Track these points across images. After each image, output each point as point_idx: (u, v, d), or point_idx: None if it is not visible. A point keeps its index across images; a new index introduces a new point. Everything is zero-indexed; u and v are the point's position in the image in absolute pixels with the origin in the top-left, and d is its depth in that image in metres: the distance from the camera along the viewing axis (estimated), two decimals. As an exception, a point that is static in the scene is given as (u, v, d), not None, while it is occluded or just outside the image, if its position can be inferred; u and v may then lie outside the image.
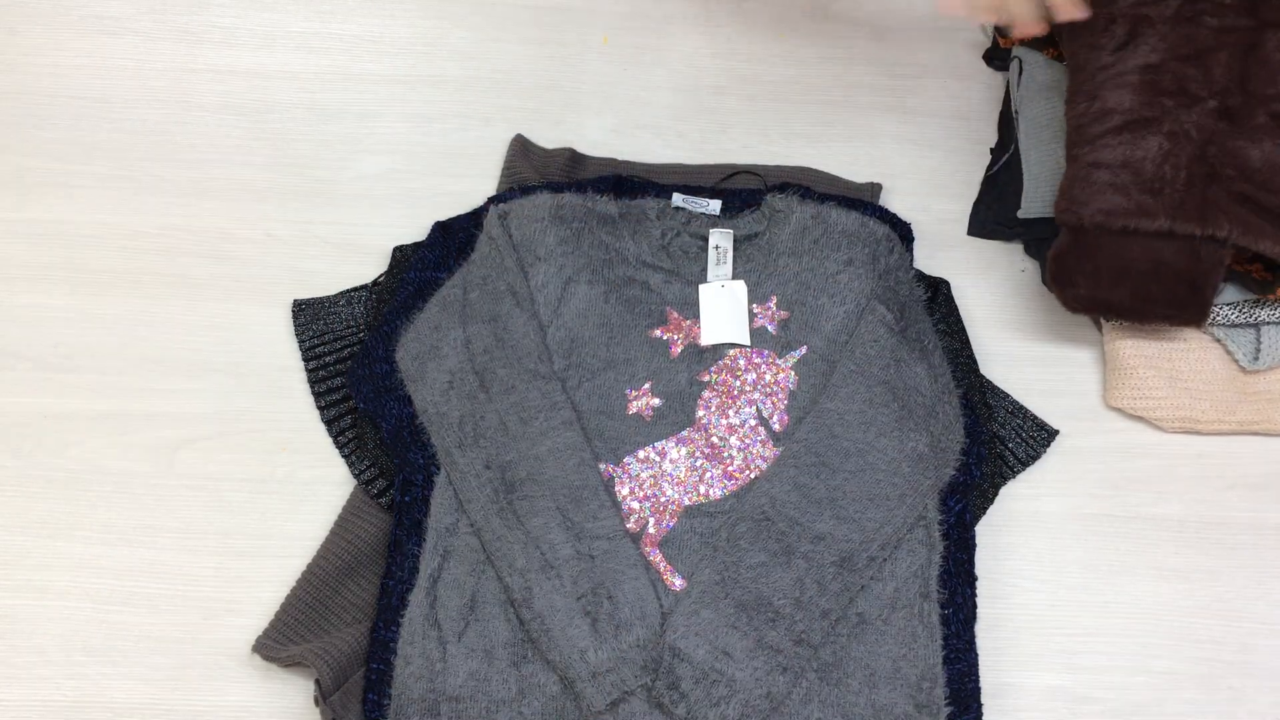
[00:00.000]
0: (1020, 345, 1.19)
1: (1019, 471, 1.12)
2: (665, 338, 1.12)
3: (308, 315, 1.17)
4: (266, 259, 1.21)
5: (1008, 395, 1.15)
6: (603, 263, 1.13)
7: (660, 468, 1.06)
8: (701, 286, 1.13)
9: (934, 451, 1.06)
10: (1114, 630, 1.07)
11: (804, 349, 1.11)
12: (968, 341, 1.15)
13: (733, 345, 1.11)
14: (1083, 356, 1.19)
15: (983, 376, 1.14)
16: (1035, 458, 1.13)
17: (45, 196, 1.23)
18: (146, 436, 1.12)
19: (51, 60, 1.32)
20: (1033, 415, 1.14)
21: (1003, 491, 1.11)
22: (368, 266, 1.20)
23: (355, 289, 1.18)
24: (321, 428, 1.12)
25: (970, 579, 1.04)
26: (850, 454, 1.04)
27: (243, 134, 1.28)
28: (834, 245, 1.13)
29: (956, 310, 1.16)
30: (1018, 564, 1.09)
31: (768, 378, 1.10)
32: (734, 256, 1.15)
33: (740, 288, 1.13)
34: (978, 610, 1.03)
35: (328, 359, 1.14)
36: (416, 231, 1.20)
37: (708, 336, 1.12)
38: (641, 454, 1.07)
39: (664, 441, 1.08)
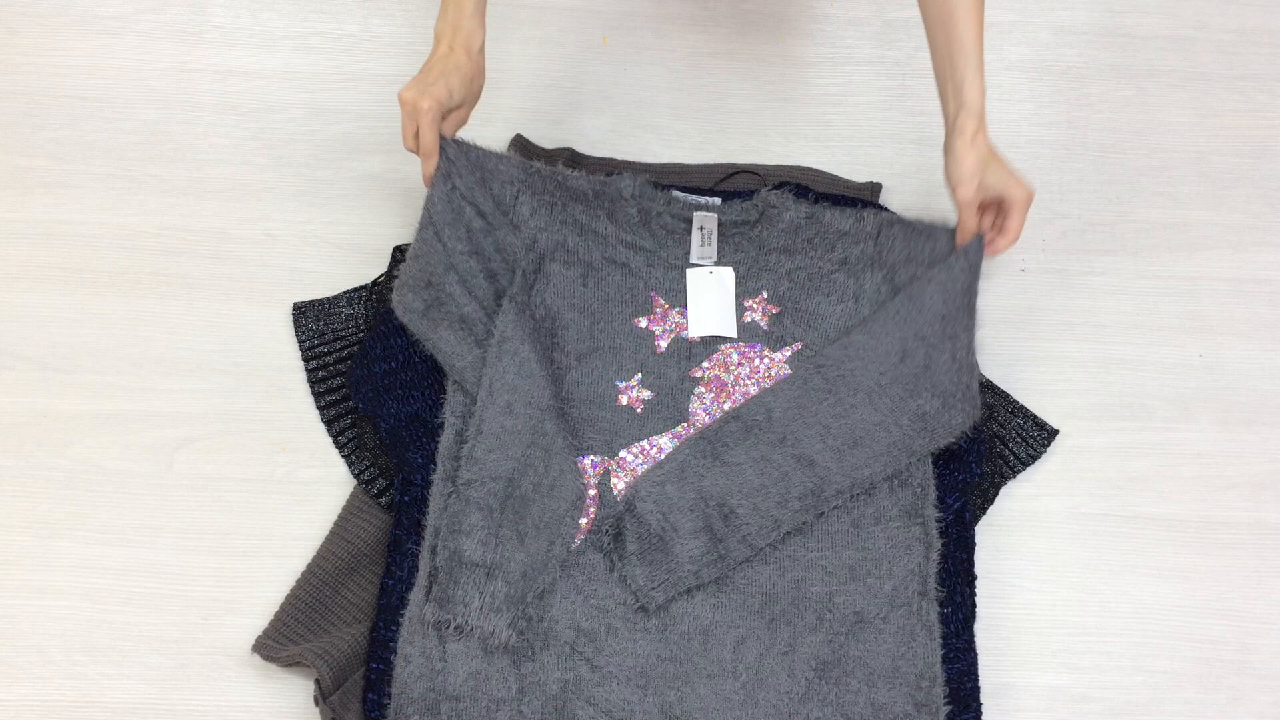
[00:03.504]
0: (1020, 345, 1.19)
1: (1019, 471, 1.12)
2: (650, 328, 1.11)
3: (308, 316, 1.17)
4: (265, 259, 1.21)
5: (1008, 395, 1.15)
6: (578, 242, 1.11)
7: (654, 462, 1.06)
8: (689, 272, 1.12)
9: (939, 416, 1.05)
10: (1113, 630, 1.07)
11: (798, 344, 1.11)
12: (967, 341, 1.15)
13: (722, 339, 1.11)
14: (1083, 356, 1.19)
15: (983, 376, 1.14)
16: (1035, 457, 1.12)
17: (44, 196, 1.23)
18: (146, 436, 1.12)
19: (51, 60, 1.32)
20: (1033, 415, 1.14)
21: (1003, 491, 1.11)
22: (368, 266, 1.20)
23: (355, 289, 1.18)
24: (321, 428, 1.12)
25: (970, 578, 1.04)
26: (858, 391, 1.05)
27: (242, 134, 1.28)
28: (828, 245, 1.12)
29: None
30: (1017, 564, 1.09)
31: (761, 371, 1.10)
32: (722, 245, 1.13)
33: (728, 275, 1.12)
34: (977, 610, 1.03)
35: (328, 359, 1.14)
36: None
37: (695, 328, 1.11)
38: (635, 447, 1.07)
39: (658, 436, 1.07)
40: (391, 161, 1.26)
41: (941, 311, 1.06)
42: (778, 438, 1.04)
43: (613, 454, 1.06)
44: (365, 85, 1.31)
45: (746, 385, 1.09)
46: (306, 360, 1.15)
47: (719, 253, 1.13)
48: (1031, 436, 1.13)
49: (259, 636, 1.02)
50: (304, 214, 1.24)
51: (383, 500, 1.07)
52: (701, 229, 1.12)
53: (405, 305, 1.09)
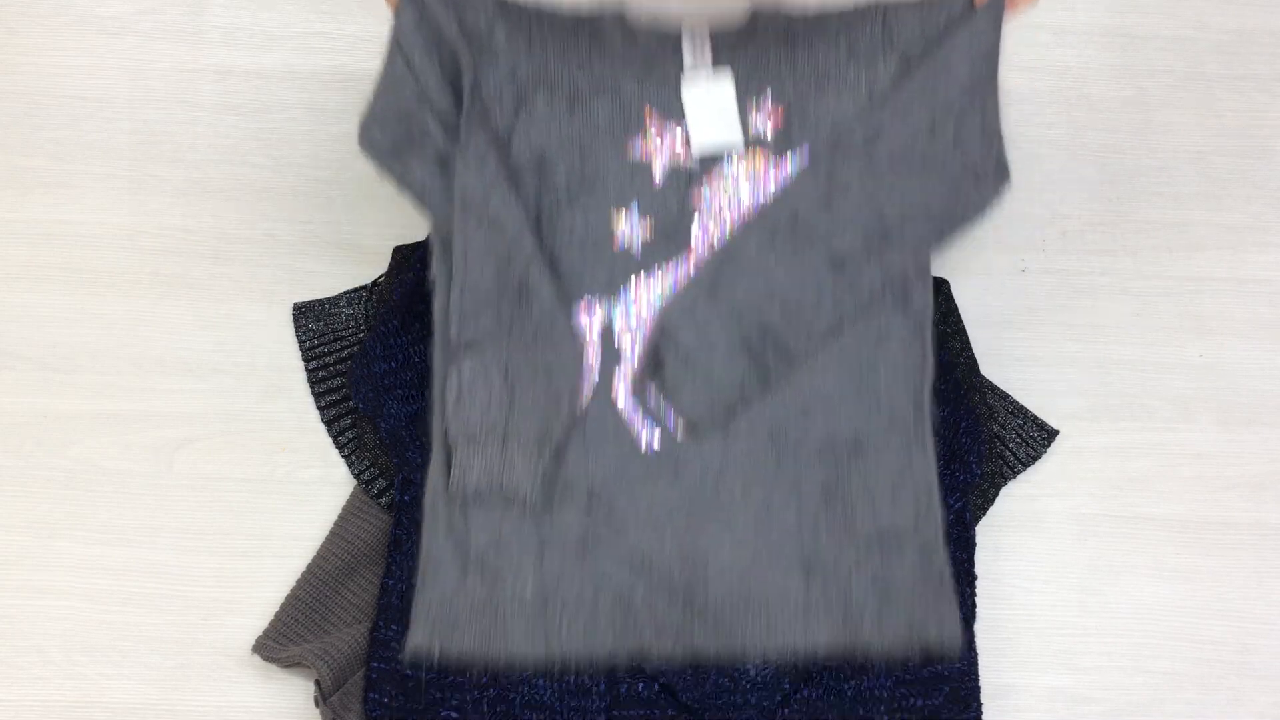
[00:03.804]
0: (1020, 345, 1.19)
1: (1019, 472, 1.12)
2: (645, 156, 1.05)
3: (308, 317, 1.17)
4: (266, 259, 1.21)
5: (1008, 395, 1.15)
6: (561, 68, 1.04)
7: (657, 307, 1.03)
8: (684, 83, 1.04)
9: (969, 194, 1.02)
10: (1114, 631, 1.07)
11: (806, 146, 1.04)
12: (968, 342, 1.15)
13: (723, 157, 1.04)
14: (1083, 356, 1.19)
15: (983, 376, 1.14)
16: (1035, 458, 1.13)
17: (44, 196, 1.23)
18: (146, 436, 1.12)
19: (51, 60, 1.32)
20: (1033, 415, 1.14)
21: (1002, 492, 1.11)
22: (368, 266, 1.20)
23: (355, 289, 1.18)
24: (321, 428, 1.12)
25: (970, 578, 1.04)
26: (885, 175, 1.00)
27: (242, 134, 1.28)
28: (831, 39, 1.04)
29: (956, 310, 1.16)
30: (1017, 564, 1.09)
31: (768, 183, 1.04)
32: (718, 58, 1.05)
33: (727, 81, 1.04)
34: (977, 610, 1.03)
35: (328, 359, 1.14)
36: (416, 231, 1.20)
37: (697, 140, 1.04)
38: (638, 288, 1.03)
39: (661, 273, 1.03)
40: (391, 161, 1.26)
41: (969, 78, 1.01)
42: (806, 238, 1.00)
43: (613, 297, 1.02)
44: (365, 85, 1.30)
45: (754, 200, 1.03)
46: (306, 360, 1.15)
47: (715, 61, 1.05)
48: (1031, 437, 1.13)
49: (259, 637, 1.02)
50: (304, 214, 1.24)
51: (383, 500, 1.07)
52: (694, 39, 1.04)
53: (371, 142, 1.03)
